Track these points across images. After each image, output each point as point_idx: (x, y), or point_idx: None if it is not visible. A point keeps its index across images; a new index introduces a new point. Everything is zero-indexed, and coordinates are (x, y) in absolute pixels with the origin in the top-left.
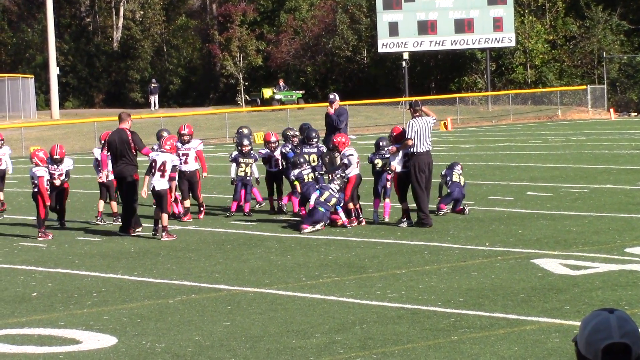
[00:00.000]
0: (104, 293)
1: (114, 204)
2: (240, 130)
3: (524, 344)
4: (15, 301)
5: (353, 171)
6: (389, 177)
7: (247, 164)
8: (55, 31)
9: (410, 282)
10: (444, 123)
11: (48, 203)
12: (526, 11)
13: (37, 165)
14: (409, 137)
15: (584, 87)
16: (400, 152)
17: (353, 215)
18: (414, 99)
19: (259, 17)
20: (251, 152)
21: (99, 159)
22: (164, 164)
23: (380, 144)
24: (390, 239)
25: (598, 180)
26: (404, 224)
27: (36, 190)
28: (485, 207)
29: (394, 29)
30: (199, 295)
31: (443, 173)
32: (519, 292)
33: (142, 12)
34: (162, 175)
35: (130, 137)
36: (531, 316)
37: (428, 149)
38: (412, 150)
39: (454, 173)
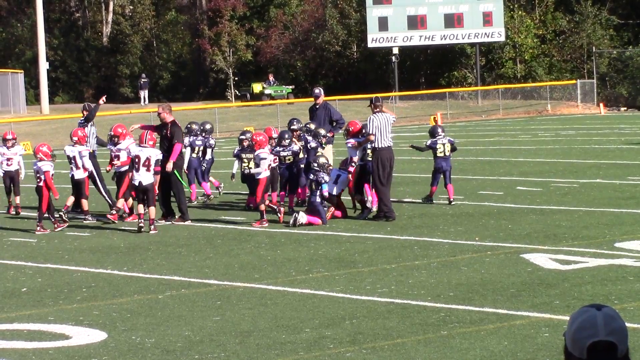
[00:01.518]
0: (93, 288)
1: (84, 201)
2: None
3: (513, 339)
4: (5, 296)
5: (263, 173)
6: (350, 169)
7: (249, 159)
8: (45, 26)
9: (400, 277)
10: (434, 118)
11: (57, 196)
12: (516, 6)
13: (41, 160)
14: (370, 132)
15: (574, 81)
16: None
17: (264, 217)
18: (375, 95)
19: (248, 12)
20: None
21: (70, 155)
22: (148, 159)
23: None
24: (380, 234)
25: (588, 175)
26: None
27: (40, 184)
28: (475, 201)
29: (383, 23)
30: (189, 290)
31: (428, 144)
32: (508, 287)
33: (131, 7)
34: (148, 170)
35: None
36: (521, 311)
37: (389, 145)
38: (373, 145)
39: (437, 146)
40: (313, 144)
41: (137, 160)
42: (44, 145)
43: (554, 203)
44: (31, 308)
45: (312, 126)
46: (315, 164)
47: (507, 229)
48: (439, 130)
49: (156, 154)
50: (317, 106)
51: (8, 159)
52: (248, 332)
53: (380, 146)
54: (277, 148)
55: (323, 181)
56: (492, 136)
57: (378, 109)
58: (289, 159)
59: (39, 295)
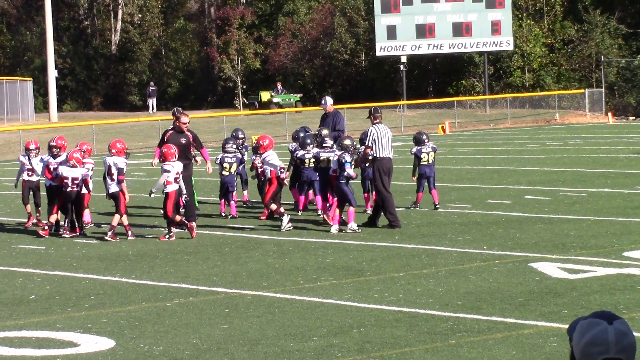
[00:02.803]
0: (101, 296)
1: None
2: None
3: (521, 348)
4: (14, 304)
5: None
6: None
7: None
8: (54, 34)
9: (408, 285)
10: (442, 127)
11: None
12: (524, 15)
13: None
14: (368, 144)
15: (582, 90)
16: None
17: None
18: (371, 105)
19: (257, 20)
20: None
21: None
22: (109, 167)
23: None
24: (387, 242)
25: (596, 184)
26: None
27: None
28: (483, 210)
29: (392, 32)
30: (197, 298)
31: (413, 151)
32: (516, 296)
33: (140, 15)
34: (112, 179)
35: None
36: (529, 320)
37: (390, 156)
38: (373, 154)
39: (422, 154)
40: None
41: (108, 169)
42: (77, 152)
43: (562, 212)
44: (39, 315)
45: (325, 131)
46: (339, 146)
47: (515, 237)
48: (424, 138)
49: (114, 162)
50: (327, 114)
51: (30, 169)
52: (256, 340)
53: (380, 156)
54: (300, 152)
55: (344, 160)
56: (500, 145)
57: (378, 120)
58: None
59: (47, 303)
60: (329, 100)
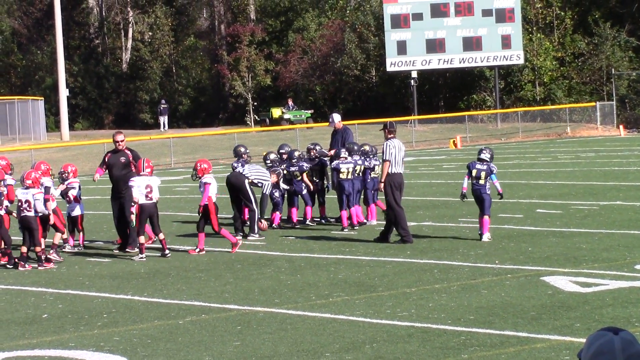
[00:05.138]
0: (114, 314)
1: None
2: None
3: None
4: (26, 322)
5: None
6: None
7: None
8: (65, 53)
9: (420, 300)
10: (453, 141)
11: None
12: (534, 29)
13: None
14: (387, 158)
15: (593, 104)
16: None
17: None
18: (389, 119)
19: (267, 37)
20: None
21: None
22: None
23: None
24: (399, 258)
25: (608, 197)
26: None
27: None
28: (495, 224)
29: (402, 47)
30: (209, 316)
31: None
32: (529, 310)
33: (150, 34)
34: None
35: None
36: (542, 334)
37: (401, 172)
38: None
39: (472, 171)
40: (367, 162)
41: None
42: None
43: (574, 225)
44: (52, 334)
45: (343, 149)
46: (360, 153)
47: (527, 251)
48: (483, 155)
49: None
50: (337, 131)
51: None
52: (268, 357)
53: (392, 171)
54: (285, 164)
55: (371, 165)
56: (512, 159)
57: (392, 135)
58: (296, 175)
59: (60, 322)
60: (336, 117)
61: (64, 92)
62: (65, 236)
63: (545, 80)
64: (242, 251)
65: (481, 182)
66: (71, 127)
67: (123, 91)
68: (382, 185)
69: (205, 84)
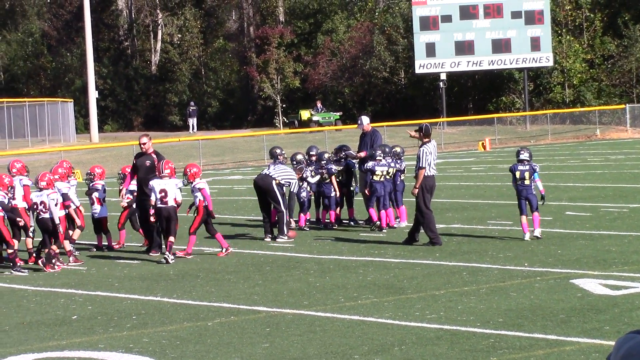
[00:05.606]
0: (143, 315)
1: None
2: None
3: None
4: (56, 324)
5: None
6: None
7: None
8: (94, 55)
9: (449, 303)
10: (482, 143)
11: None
12: (564, 30)
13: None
14: (422, 165)
15: (623, 106)
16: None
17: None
18: (426, 121)
19: (296, 39)
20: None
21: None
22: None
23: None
24: (428, 260)
25: (638, 199)
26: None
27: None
28: None
29: (431, 49)
30: (238, 317)
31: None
32: (558, 313)
33: (180, 36)
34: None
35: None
36: (571, 337)
37: (434, 174)
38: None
39: (517, 171)
40: (398, 165)
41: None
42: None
43: (603, 228)
44: (82, 336)
45: (379, 151)
46: (391, 154)
47: (556, 254)
48: (522, 156)
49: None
50: (365, 133)
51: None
52: (297, 359)
53: (427, 174)
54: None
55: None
56: (541, 161)
57: (428, 139)
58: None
59: (89, 323)
60: (365, 119)
61: (93, 94)
62: (54, 247)
63: (574, 82)
64: (271, 253)
65: (526, 182)
66: (100, 129)
67: (152, 93)
68: (416, 190)
69: (234, 86)
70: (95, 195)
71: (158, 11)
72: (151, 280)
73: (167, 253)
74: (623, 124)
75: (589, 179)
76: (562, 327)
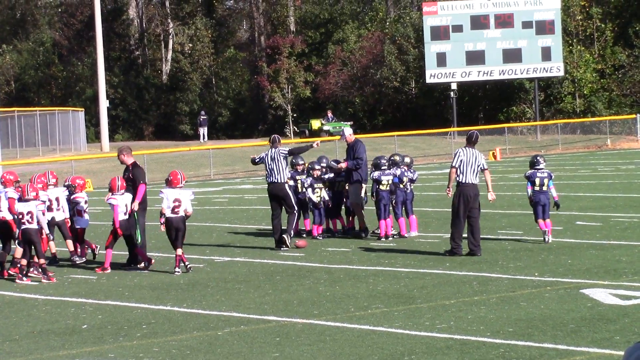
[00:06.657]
0: (153, 325)
1: (52, 244)
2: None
3: None
4: (66, 333)
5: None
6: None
7: (320, 188)
8: (105, 64)
9: (459, 312)
10: (493, 153)
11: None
12: (574, 40)
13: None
14: (453, 165)
15: (634, 116)
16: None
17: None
18: (471, 128)
19: (306, 48)
20: (322, 176)
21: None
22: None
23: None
24: (438, 270)
25: None
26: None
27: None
28: (534, 236)
29: (441, 59)
30: (248, 327)
31: (527, 174)
32: (568, 323)
33: (190, 45)
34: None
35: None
36: (581, 346)
37: (474, 182)
38: (458, 179)
39: (536, 178)
40: (409, 174)
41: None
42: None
43: (614, 238)
44: (92, 345)
45: (397, 158)
46: (402, 163)
47: (566, 264)
48: (538, 161)
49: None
50: (348, 144)
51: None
52: None
53: (464, 181)
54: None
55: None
56: (552, 171)
57: (467, 144)
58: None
59: (100, 332)
60: (347, 131)
61: (104, 103)
62: (39, 259)
63: (585, 92)
64: (281, 262)
65: (544, 188)
66: (111, 138)
67: (163, 102)
68: (449, 191)
69: (245, 96)
70: (77, 208)
71: (169, 20)
72: (161, 289)
73: (176, 269)
74: (634, 134)
75: (599, 188)
76: (572, 336)
